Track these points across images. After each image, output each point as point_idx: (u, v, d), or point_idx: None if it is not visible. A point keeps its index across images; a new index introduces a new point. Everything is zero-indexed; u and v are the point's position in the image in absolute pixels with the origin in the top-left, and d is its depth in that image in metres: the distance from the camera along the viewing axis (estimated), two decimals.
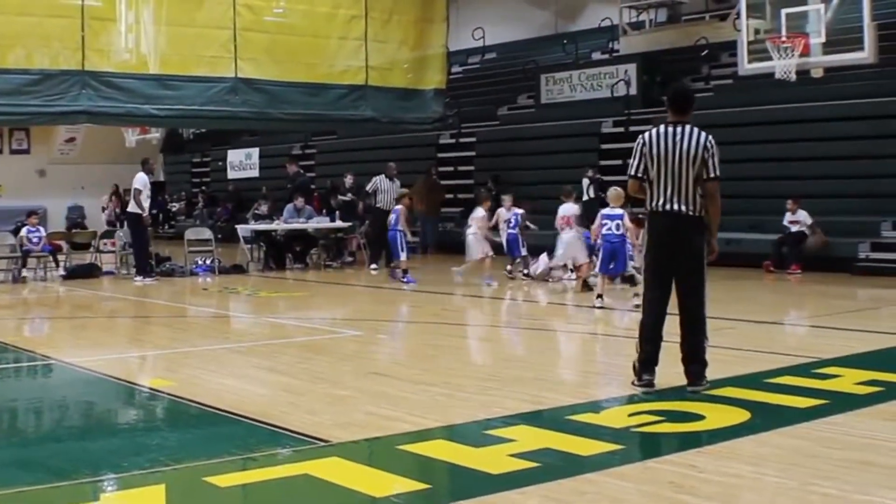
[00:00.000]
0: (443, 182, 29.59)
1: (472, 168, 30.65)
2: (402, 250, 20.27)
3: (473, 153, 30.88)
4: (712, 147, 8.73)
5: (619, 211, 15.60)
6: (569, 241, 18.34)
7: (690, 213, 8.70)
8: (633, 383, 8.90)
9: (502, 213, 20.31)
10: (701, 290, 8.85)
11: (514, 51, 35.98)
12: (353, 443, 7.39)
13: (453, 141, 31.55)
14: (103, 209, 32.84)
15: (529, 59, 33.14)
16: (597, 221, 16.00)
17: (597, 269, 16.18)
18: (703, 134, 8.76)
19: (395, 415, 8.27)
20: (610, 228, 15.55)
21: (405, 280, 20.05)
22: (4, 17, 20.27)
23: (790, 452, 6.88)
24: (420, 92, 26.20)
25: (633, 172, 8.91)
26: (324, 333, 14.35)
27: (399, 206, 20.79)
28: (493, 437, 7.37)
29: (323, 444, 7.33)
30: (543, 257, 20.11)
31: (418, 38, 26.23)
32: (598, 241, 16.07)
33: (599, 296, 15.73)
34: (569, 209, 18.52)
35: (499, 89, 33.52)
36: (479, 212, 20.27)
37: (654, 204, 8.81)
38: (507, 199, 20.77)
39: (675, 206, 8.68)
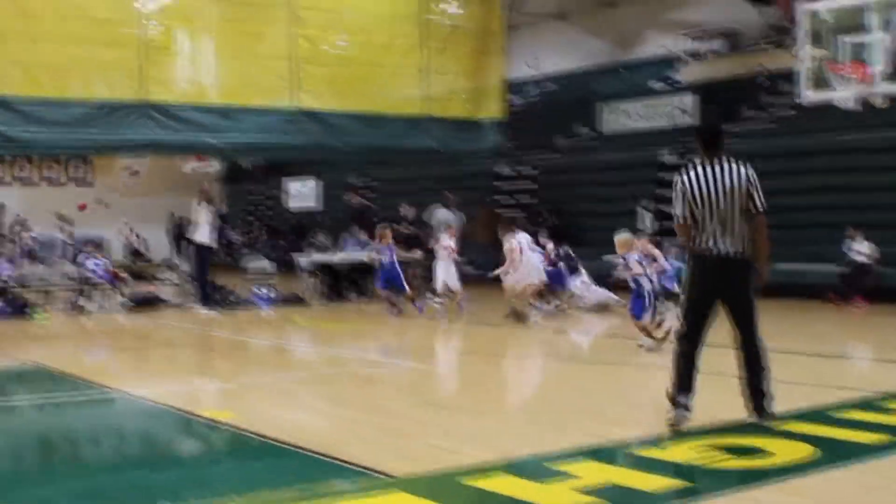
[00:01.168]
0: (500, 211, 29.52)
1: (529, 198, 30.61)
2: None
3: (531, 183, 30.86)
4: (755, 179, 8.64)
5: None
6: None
7: (738, 254, 8.58)
8: (668, 415, 8.70)
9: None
10: (754, 323, 8.73)
11: (571, 80, 35.94)
12: (416, 476, 7.35)
13: (511, 171, 31.55)
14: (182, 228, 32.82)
15: (587, 89, 33.12)
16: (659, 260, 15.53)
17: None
18: (743, 166, 8.68)
19: (454, 447, 8.24)
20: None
21: (419, 307, 20.68)
22: (63, 46, 20.36)
23: (857, 489, 6.79)
24: (478, 122, 26.18)
25: (680, 220, 8.76)
26: (382, 365, 14.34)
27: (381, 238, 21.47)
28: (556, 472, 7.32)
29: (384, 477, 7.31)
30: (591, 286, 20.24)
31: (476, 68, 26.24)
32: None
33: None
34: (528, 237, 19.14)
35: (556, 119, 33.48)
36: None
37: (699, 245, 8.67)
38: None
39: (722, 249, 8.56)
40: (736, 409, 8.78)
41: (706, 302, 8.71)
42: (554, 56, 36.08)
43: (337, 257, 24.38)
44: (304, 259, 25.20)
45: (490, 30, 26.51)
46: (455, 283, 20.41)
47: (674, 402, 8.73)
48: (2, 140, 20.17)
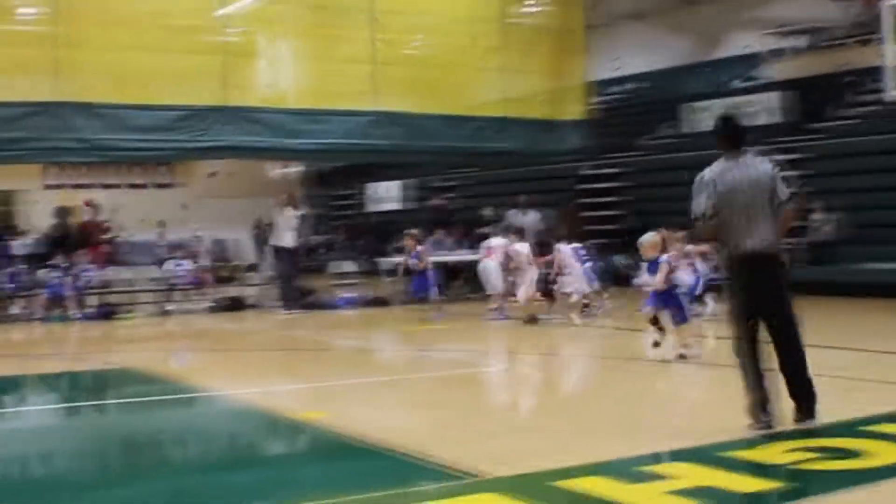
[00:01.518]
0: (585, 213, 29.40)
1: (613, 198, 30.44)
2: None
3: (614, 184, 30.68)
4: (778, 173, 8.55)
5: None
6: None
7: (767, 250, 8.44)
8: (749, 426, 8.46)
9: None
10: (793, 323, 8.55)
11: (653, 80, 35.74)
12: (505, 478, 7.30)
13: (594, 171, 31.38)
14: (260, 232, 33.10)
15: (669, 89, 32.90)
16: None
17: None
18: (765, 161, 8.62)
19: (541, 449, 8.20)
20: None
21: (437, 318, 20.30)
22: (147, 54, 20.48)
23: None
24: (560, 123, 26.00)
25: (697, 215, 8.67)
26: (467, 366, 14.32)
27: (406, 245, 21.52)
28: (647, 474, 7.24)
29: (474, 478, 7.28)
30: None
31: (557, 68, 26.09)
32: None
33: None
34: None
35: (639, 119, 33.29)
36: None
37: (726, 244, 8.57)
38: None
39: (750, 246, 8.43)
40: (827, 409, 8.62)
41: (748, 304, 8.53)
42: (636, 56, 35.93)
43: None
44: (386, 262, 25.25)
45: (571, 29, 26.33)
46: (495, 285, 20.30)
47: (757, 420, 8.46)
48: (89, 147, 20.42)
